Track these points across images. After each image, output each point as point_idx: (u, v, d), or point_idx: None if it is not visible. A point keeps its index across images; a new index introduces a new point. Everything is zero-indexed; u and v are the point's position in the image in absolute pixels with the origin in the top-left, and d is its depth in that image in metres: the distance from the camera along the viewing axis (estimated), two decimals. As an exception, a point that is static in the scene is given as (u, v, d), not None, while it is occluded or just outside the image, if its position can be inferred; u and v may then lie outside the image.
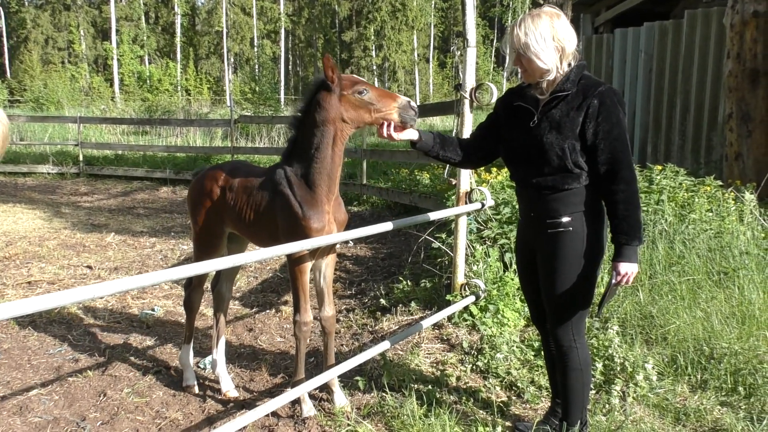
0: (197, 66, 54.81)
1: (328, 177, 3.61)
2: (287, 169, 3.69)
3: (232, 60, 58.86)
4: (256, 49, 55.44)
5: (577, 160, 3.00)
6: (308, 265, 3.75)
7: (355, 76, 3.61)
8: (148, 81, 43.37)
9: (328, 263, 3.99)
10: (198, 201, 4.13)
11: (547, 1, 8.90)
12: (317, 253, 3.83)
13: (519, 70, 3.11)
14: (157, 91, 39.76)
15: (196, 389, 4.34)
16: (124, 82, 45.86)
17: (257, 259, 3.07)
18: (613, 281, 3.08)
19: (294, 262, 3.69)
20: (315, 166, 3.58)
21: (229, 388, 4.29)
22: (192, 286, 4.40)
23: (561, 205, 3.08)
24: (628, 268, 3.02)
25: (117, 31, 50.70)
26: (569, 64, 3.02)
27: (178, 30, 55.33)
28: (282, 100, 44.94)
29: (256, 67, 41.99)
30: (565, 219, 3.07)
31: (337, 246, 4.09)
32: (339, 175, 3.70)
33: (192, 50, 55.88)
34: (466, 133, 4.91)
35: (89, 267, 7.50)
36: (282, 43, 58.83)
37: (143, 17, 55.16)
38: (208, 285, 4.68)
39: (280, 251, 3.12)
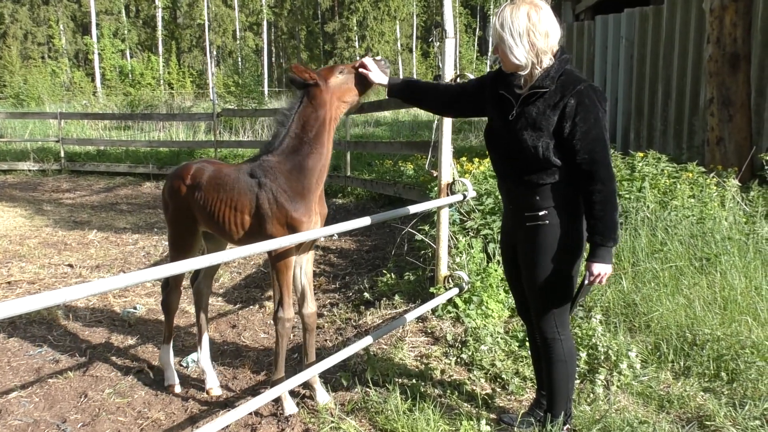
0: (179, 59, 54.40)
1: (322, 166, 3.63)
2: (271, 160, 3.66)
3: (215, 53, 58.41)
4: (238, 42, 55.04)
5: (551, 158, 2.95)
6: (293, 259, 3.72)
7: (328, 65, 3.68)
8: (130, 75, 42.96)
9: (309, 259, 3.97)
10: (168, 201, 4.13)
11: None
12: (300, 248, 3.80)
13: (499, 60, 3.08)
14: (139, 85, 39.36)
15: (178, 388, 4.30)
16: (105, 76, 45.36)
17: (240, 256, 3.03)
18: (586, 281, 3.07)
19: (279, 256, 3.65)
20: (312, 155, 3.58)
21: (213, 385, 4.25)
22: (169, 287, 4.35)
23: (538, 198, 3.05)
24: (602, 269, 3.00)
25: (97, 25, 50.11)
26: (552, 58, 2.96)
27: (160, 23, 54.77)
28: (266, 92, 44.69)
29: (239, 59, 41.66)
30: (541, 212, 3.05)
31: (320, 240, 4.05)
32: (326, 170, 3.72)
33: (174, 43, 55.39)
34: (446, 127, 4.89)
35: (70, 266, 7.42)
36: (264, 36, 58.42)
37: (123, 11, 54.55)
38: (186, 283, 4.64)
39: (265, 247, 3.10)
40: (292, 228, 3.54)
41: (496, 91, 3.16)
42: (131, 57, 52.13)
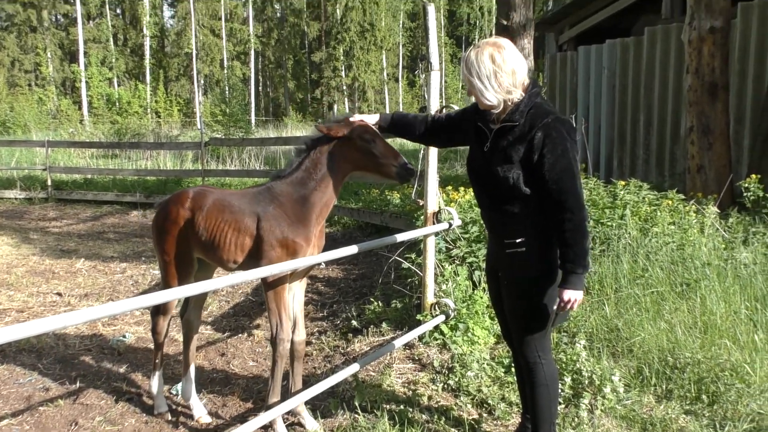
0: (167, 88, 54.50)
1: (324, 204, 3.78)
2: (278, 188, 3.81)
3: (202, 81, 58.68)
4: (225, 71, 55.35)
5: (522, 188, 3.05)
6: (287, 282, 3.80)
7: (368, 124, 3.77)
8: (117, 103, 43.05)
9: (301, 286, 4.06)
10: (164, 228, 4.11)
11: (510, 22, 9.08)
12: (294, 275, 3.89)
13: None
14: (126, 113, 39.45)
15: (169, 416, 4.33)
16: (92, 104, 45.40)
17: (231, 283, 3.11)
18: (555, 307, 3.15)
19: (274, 281, 3.74)
20: (316, 192, 3.75)
21: (201, 414, 4.29)
22: (159, 314, 4.35)
23: (515, 226, 3.16)
24: (572, 295, 3.07)
25: (85, 53, 50.24)
26: (523, 93, 3.07)
27: (147, 52, 54.98)
28: (253, 121, 44.87)
29: (226, 88, 41.92)
30: (518, 240, 3.15)
31: (311, 268, 4.14)
32: (331, 207, 3.87)
33: (161, 72, 55.54)
34: (432, 157, 5.01)
35: (59, 294, 7.44)
36: (252, 65, 58.82)
37: (111, 39, 54.76)
38: (177, 310, 4.68)
39: (259, 274, 3.18)
40: (290, 251, 3.65)
41: (475, 123, 3.30)
42: (119, 85, 52.24)
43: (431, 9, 4.79)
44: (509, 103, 3.07)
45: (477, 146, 3.28)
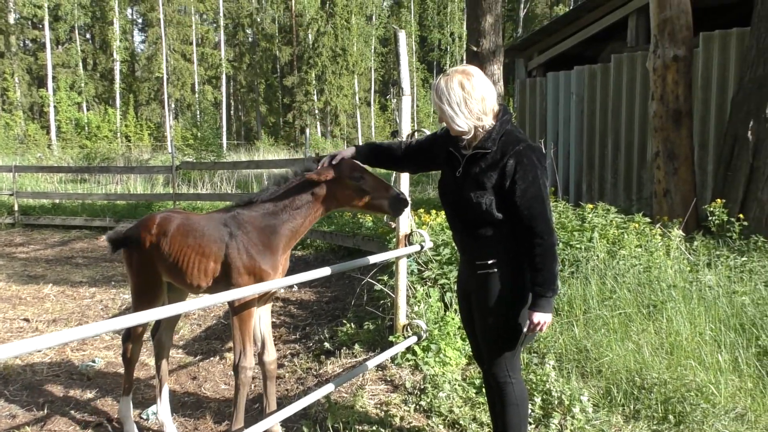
0: (137, 112, 54.15)
1: (293, 235, 3.79)
2: (246, 215, 3.79)
3: (173, 106, 58.45)
4: (197, 95, 55.24)
5: (494, 213, 3.13)
6: (254, 309, 3.81)
7: (353, 162, 3.74)
8: (86, 128, 42.70)
9: (266, 308, 4.08)
10: (132, 252, 4.13)
11: (480, 48, 9.25)
12: (261, 299, 3.90)
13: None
14: (95, 138, 39.15)
15: None
16: (61, 129, 44.94)
17: (204, 305, 3.12)
18: (525, 329, 3.22)
19: (241, 306, 3.74)
20: (287, 224, 3.74)
21: (173, 438, 4.27)
22: (130, 338, 4.34)
23: (486, 248, 3.23)
24: (542, 318, 3.14)
25: (54, 78, 49.88)
26: (493, 119, 3.16)
27: (117, 76, 54.70)
28: (224, 145, 44.76)
29: (198, 112, 41.85)
30: (490, 261, 3.22)
31: (280, 291, 4.16)
32: (299, 238, 3.88)
33: (132, 96, 55.19)
34: (404, 180, 5.07)
35: (26, 320, 7.33)
36: (223, 89, 58.76)
37: (81, 64, 54.38)
38: (147, 335, 4.66)
39: (229, 297, 3.19)
40: (257, 279, 3.66)
41: (446, 148, 3.38)
42: (88, 110, 51.80)
43: (402, 35, 4.88)
44: (480, 130, 3.15)
45: (449, 171, 3.36)
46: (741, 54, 9.70)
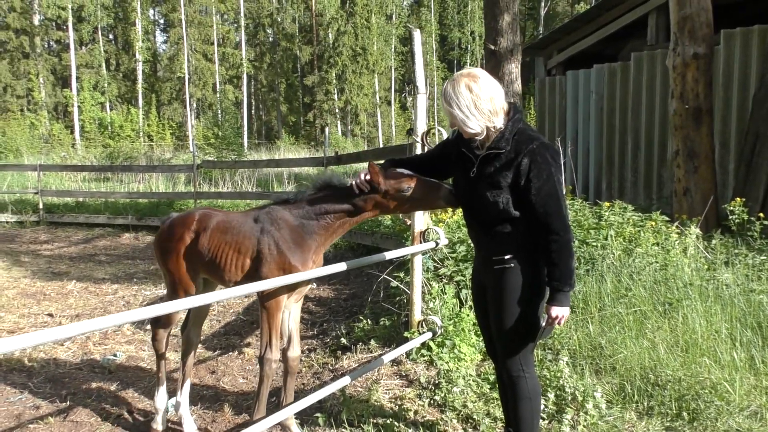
0: (159, 112, 54.72)
1: (327, 237, 3.86)
2: (280, 212, 3.86)
3: (195, 105, 58.92)
4: (218, 95, 55.62)
5: (511, 211, 3.18)
6: (283, 302, 3.88)
7: (399, 170, 3.66)
8: (109, 127, 43.23)
9: (298, 306, 4.15)
10: (169, 247, 4.18)
11: (498, 47, 9.27)
12: (291, 295, 3.97)
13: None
14: (118, 137, 39.61)
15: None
16: (84, 128, 45.52)
17: (233, 296, 3.19)
18: (543, 323, 3.28)
19: (270, 298, 3.81)
20: (323, 226, 3.80)
21: (191, 430, 4.34)
22: (159, 326, 4.40)
23: (503, 244, 3.28)
24: (560, 312, 3.21)
25: (77, 78, 50.53)
26: (505, 117, 3.21)
27: (140, 76, 55.32)
28: (245, 144, 45.06)
29: (219, 112, 42.08)
30: (507, 257, 3.27)
31: (307, 289, 4.22)
32: (333, 240, 3.94)
33: (154, 96, 55.78)
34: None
35: (50, 315, 7.48)
36: (244, 88, 59.12)
37: (104, 64, 55.06)
38: (177, 328, 4.73)
39: (258, 288, 3.28)
40: (287, 274, 3.72)
41: (459, 150, 3.42)
42: (111, 109, 52.43)
43: (417, 34, 4.93)
44: (492, 130, 3.20)
45: (462, 173, 3.41)
46: (763, 51, 9.63)
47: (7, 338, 2.13)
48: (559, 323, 3.24)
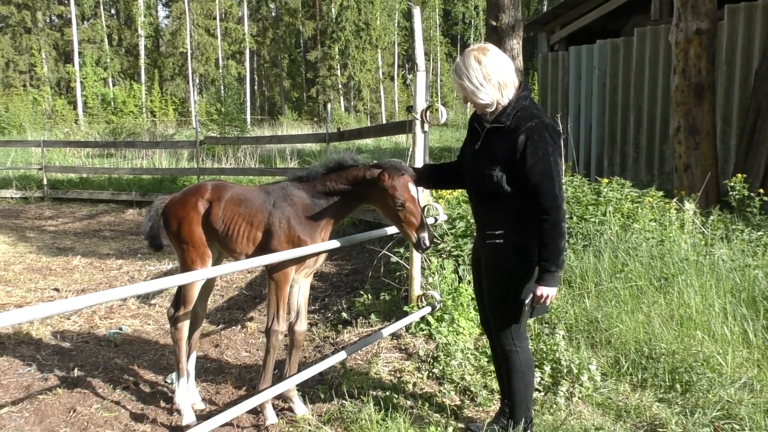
0: (162, 87, 54.53)
1: (336, 215, 3.97)
2: (293, 188, 3.96)
3: (198, 81, 58.72)
4: (221, 70, 55.38)
5: (504, 185, 3.25)
6: (291, 276, 3.96)
7: (411, 185, 3.72)
8: (112, 103, 43.11)
9: (307, 281, 4.24)
10: (181, 216, 4.16)
11: (499, 23, 9.26)
12: (302, 270, 4.05)
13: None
14: (121, 113, 39.50)
15: (192, 417, 4.22)
16: (87, 104, 45.36)
17: (243, 268, 3.28)
18: (527, 301, 3.32)
19: (277, 272, 3.90)
20: (332, 204, 3.91)
21: (195, 400, 4.45)
22: (178, 309, 4.31)
23: (497, 219, 3.36)
24: (546, 291, 3.27)
25: (80, 53, 50.30)
26: (516, 92, 3.28)
27: (142, 52, 55.08)
28: (248, 120, 44.97)
29: (222, 87, 41.95)
30: (498, 232, 3.34)
31: (317, 266, 4.30)
32: (341, 220, 4.06)
33: (157, 72, 55.62)
34: (419, 150, 5.17)
35: (56, 290, 7.60)
36: (247, 64, 58.86)
37: (106, 39, 54.80)
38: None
39: (266, 261, 3.38)
40: (296, 247, 3.80)
41: (471, 124, 3.52)
42: (113, 85, 52.26)
43: (417, 11, 4.96)
44: (500, 105, 3.27)
45: (470, 146, 3.49)
46: (766, 26, 9.61)
47: (17, 310, 2.20)
48: (544, 302, 3.31)
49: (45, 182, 16.65)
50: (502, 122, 3.26)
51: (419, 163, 5.17)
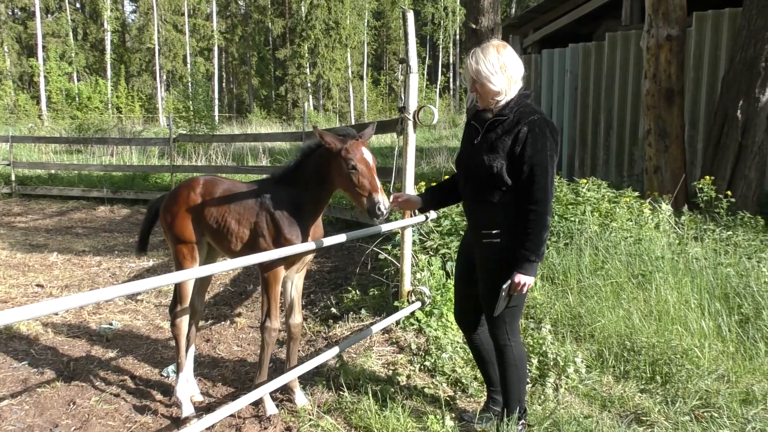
0: (129, 83, 53.81)
1: (316, 203, 4.03)
2: (279, 188, 4.06)
3: (165, 77, 58.14)
4: (189, 67, 54.94)
5: (504, 177, 3.40)
6: (281, 274, 4.06)
7: (364, 149, 3.77)
8: (77, 98, 42.47)
9: (301, 275, 4.34)
10: (174, 210, 4.26)
11: (479, 26, 9.44)
12: (294, 266, 4.16)
13: (476, 97, 3.56)
14: (86, 109, 38.94)
15: (191, 410, 4.30)
16: (51, 99, 44.70)
17: (235, 267, 3.38)
18: (504, 286, 3.44)
19: (268, 270, 4.00)
20: (308, 193, 3.99)
21: (194, 392, 4.54)
22: (175, 306, 4.40)
23: (492, 217, 3.51)
24: (523, 279, 3.41)
25: (44, 47, 49.44)
26: (519, 89, 3.47)
27: (108, 47, 54.30)
28: (216, 117, 44.66)
29: (190, 84, 41.54)
30: (494, 231, 3.50)
31: (309, 259, 4.41)
32: (324, 208, 4.11)
33: (123, 67, 54.73)
34: (411, 150, 5.31)
35: (40, 285, 7.57)
36: (215, 61, 58.42)
37: (71, 33, 53.89)
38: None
39: (257, 260, 3.46)
40: (285, 246, 3.90)
41: (468, 123, 3.69)
42: (78, 80, 51.42)
43: (410, 15, 5.10)
44: (507, 96, 3.45)
45: (468, 142, 3.65)
46: (733, 34, 9.94)
47: (13, 309, 2.19)
48: (521, 290, 3.45)
49: (13, 178, 16.41)
50: (504, 115, 3.43)
51: (411, 162, 5.32)
